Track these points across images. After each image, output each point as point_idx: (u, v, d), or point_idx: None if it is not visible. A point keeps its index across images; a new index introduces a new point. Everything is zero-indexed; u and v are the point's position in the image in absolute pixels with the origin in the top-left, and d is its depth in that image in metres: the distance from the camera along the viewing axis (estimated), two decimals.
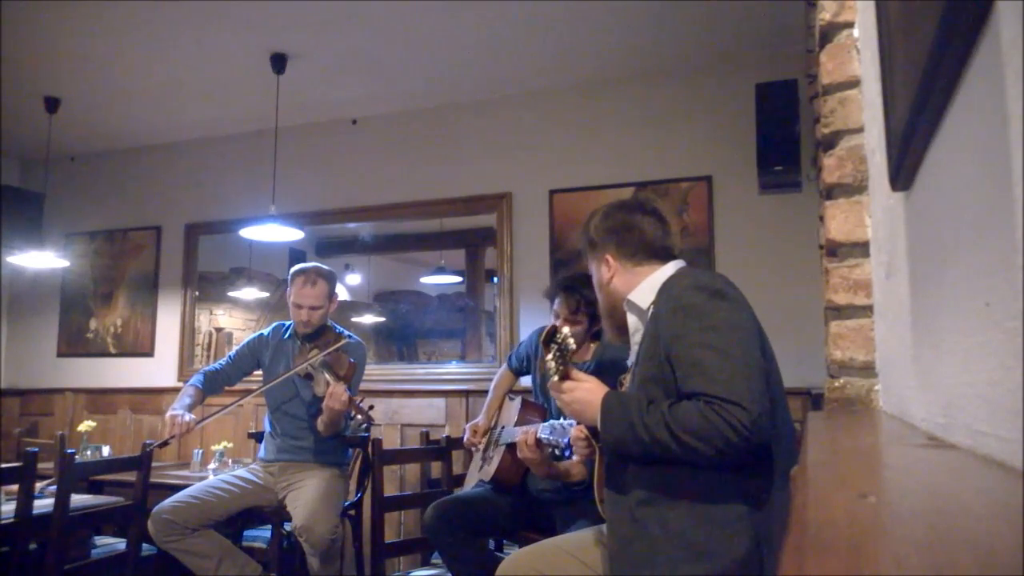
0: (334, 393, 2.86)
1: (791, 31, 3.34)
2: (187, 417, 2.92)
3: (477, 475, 2.97)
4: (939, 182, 0.68)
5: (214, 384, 3.21)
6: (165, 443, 2.99)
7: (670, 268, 1.74)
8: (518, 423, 2.78)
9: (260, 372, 3.30)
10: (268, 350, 3.25)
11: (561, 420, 2.41)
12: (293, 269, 3.17)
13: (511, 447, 2.68)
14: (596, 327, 2.65)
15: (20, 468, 2.61)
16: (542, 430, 2.43)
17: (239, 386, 3.35)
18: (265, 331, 3.33)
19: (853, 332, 1.22)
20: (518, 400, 2.87)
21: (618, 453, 1.61)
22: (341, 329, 3.19)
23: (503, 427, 2.89)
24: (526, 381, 3.16)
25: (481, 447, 2.98)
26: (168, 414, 2.96)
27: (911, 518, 0.44)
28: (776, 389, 1.58)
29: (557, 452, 2.39)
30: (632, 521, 1.57)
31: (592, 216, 1.86)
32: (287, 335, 3.24)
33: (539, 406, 2.82)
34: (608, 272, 1.78)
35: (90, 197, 5.34)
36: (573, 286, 2.64)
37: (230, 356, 3.30)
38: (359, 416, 2.93)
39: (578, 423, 1.84)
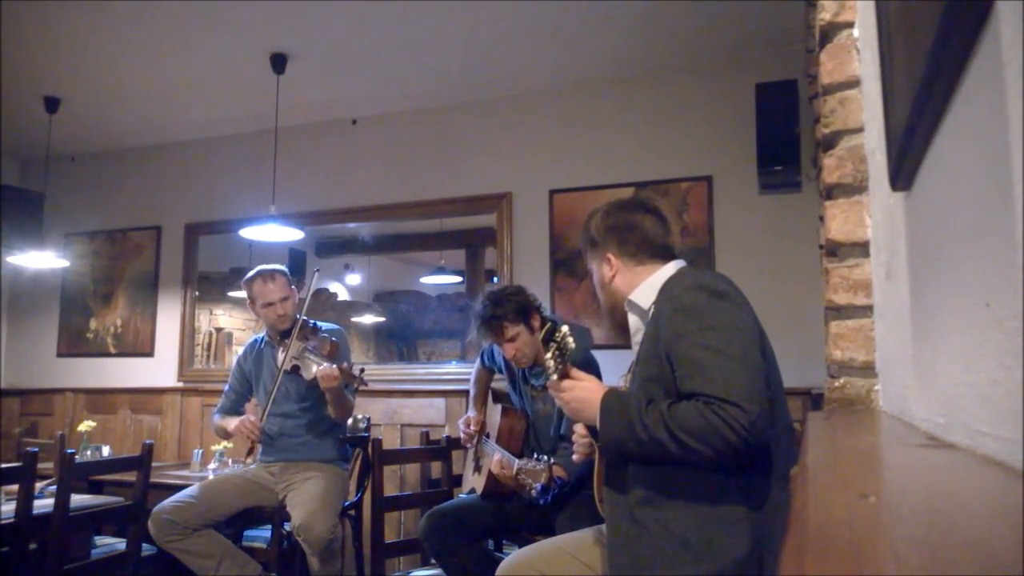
0: (323, 373, 2.89)
1: (791, 31, 3.34)
2: (251, 418, 3.02)
3: (472, 478, 2.97)
4: (939, 182, 0.68)
5: (231, 415, 3.26)
6: (250, 451, 3.07)
7: (671, 268, 1.73)
8: (499, 433, 2.79)
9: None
10: (250, 366, 3.28)
11: (535, 461, 2.39)
12: (245, 279, 3.18)
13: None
14: (536, 325, 2.64)
15: (20, 468, 2.62)
16: (517, 466, 2.44)
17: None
18: (240, 354, 3.37)
19: (853, 332, 1.22)
20: (498, 407, 2.88)
21: (617, 453, 1.60)
22: (315, 322, 3.20)
23: (487, 434, 2.91)
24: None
25: (473, 445, 2.99)
26: (232, 425, 3.04)
27: (911, 518, 0.44)
28: (775, 389, 1.58)
29: (533, 493, 2.39)
30: (632, 521, 1.57)
31: (593, 215, 1.85)
32: (263, 345, 3.27)
33: (518, 412, 2.83)
34: (610, 271, 1.78)
35: (90, 197, 5.34)
36: (487, 318, 2.63)
37: (226, 392, 3.34)
38: (353, 383, 2.97)
39: (576, 422, 1.83)
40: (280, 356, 3.08)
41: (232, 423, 3.07)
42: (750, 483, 1.51)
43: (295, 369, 3.04)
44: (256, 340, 3.34)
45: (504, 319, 2.62)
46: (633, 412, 1.51)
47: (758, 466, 1.51)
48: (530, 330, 2.64)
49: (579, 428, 1.88)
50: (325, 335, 3.08)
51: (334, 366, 2.90)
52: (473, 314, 2.75)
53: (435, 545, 2.67)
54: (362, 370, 2.99)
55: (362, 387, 3.03)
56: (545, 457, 2.38)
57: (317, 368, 2.92)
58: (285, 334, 3.13)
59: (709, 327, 1.49)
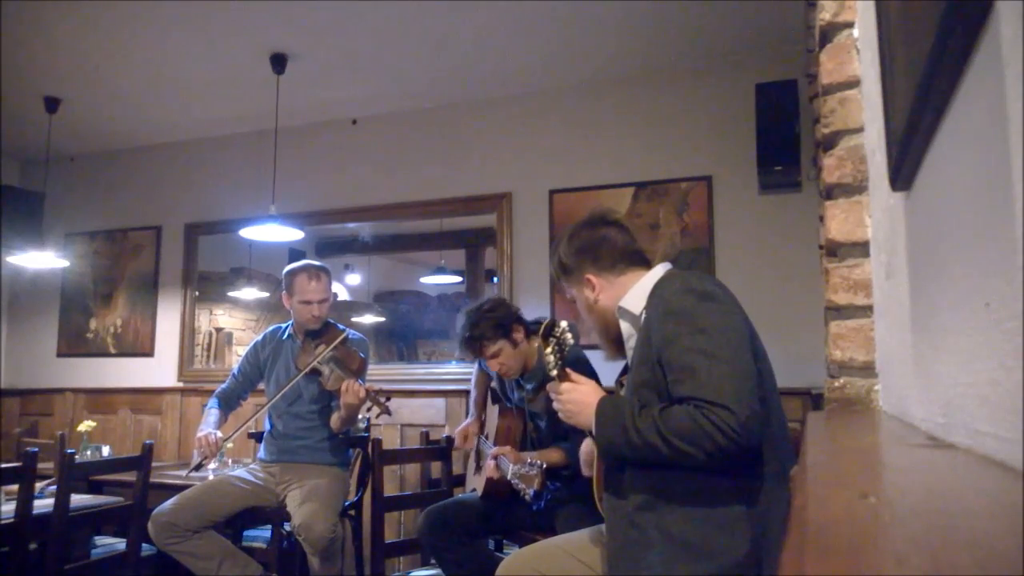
0: (350, 388, 2.90)
1: (791, 31, 3.34)
2: (214, 436, 3.01)
3: (473, 478, 2.97)
4: (939, 182, 0.68)
5: (230, 402, 3.29)
6: (200, 466, 3.08)
7: (658, 271, 1.73)
8: (497, 434, 2.80)
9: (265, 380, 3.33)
10: (267, 355, 3.26)
11: (528, 466, 2.40)
12: (289, 269, 3.18)
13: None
14: (519, 336, 2.65)
15: (20, 468, 2.61)
16: (511, 472, 2.46)
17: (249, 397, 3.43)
18: (259, 339, 3.35)
19: (853, 332, 1.22)
20: (496, 408, 2.89)
21: (613, 457, 1.61)
22: (342, 326, 3.20)
23: (487, 436, 2.91)
24: None
25: (473, 450, 3.00)
26: (197, 436, 3.04)
27: (911, 518, 0.44)
28: (768, 388, 1.58)
29: (527, 498, 2.41)
30: (631, 526, 1.58)
31: (557, 245, 1.85)
32: (285, 336, 3.25)
33: (515, 412, 2.84)
34: (593, 292, 1.77)
35: (90, 197, 5.34)
36: (465, 339, 2.65)
37: (233, 374, 3.34)
38: (376, 408, 2.95)
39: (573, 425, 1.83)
40: (303, 356, 3.08)
41: (201, 429, 3.06)
42: (746, 483, 1.52)
43: (315, 373, 3.03)
44: (278, 329, 3.32)
45: (483, 338, 2.62)
46: (627, 417, 1.51)
47: (754, 466, 1.51)
48: (512, 343, 2.65)
49: (585, 446, 1.89)
50: (355, 348, 3.08)
51: (361, 385, 2.90)
52: (458, 336, 2.75)
53: (433, 543, 2.68)
54: (388, 397, 2.98)
55: (385, 415, 3.01)
56: (539, 463, 2.39)
57: (344, 382, 2.92)
58: (311, 334, 3.13)
59: (698, 330, 1.49)
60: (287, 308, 3.20)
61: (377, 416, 3.01)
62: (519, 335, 2.66)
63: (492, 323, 2.62)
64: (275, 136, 4.09)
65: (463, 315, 2.71)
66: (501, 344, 2.64)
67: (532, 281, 4.12)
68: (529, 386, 2.73)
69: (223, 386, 3.31)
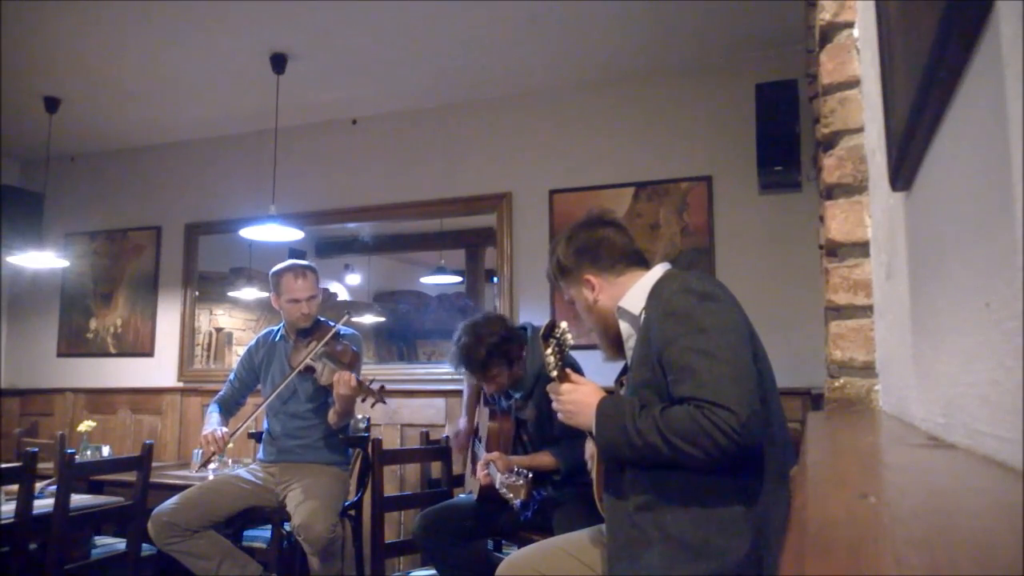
0: (341, 379, 2.90)
1: (791, 31, 3.33)
2: (220, 432, 3.02)
3: (471, 480, 2.98)
4: (939, 182, 0.68)
5: (229, 407, 3.30)
6: (208, 462, 3.11)
7: (657, 271, 1.73)
8: (488, 437, 2.80)
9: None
10: (261, 358, 3.27)
11: (515, 475, 2.40)
12: (275, 271, 3.18)
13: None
14: (515, 361, 2.64)
15: (20, 468, 2.62)
16: (499, 481, 2.47)
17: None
18: (252, 343, 3.36)
19: (853, 332, 1.22)
20: (487, 411, 2.89)
21: (613, 457, 1.61)
22: (333, 323, 3.20)
23: (480, 438, 2.91)
24: None
25: (469, 451, 3.00)
26: (202, 434, 3.06)
27: (911, 518, 0.44)
28: (769, 389, 1.58)
29: (514, 507, 2.42)
30: (631, 525, 1.58)
31: (555, 246, 1.85)
32: (277, 338, 3.26)
33: (505, 415, 2.84)
34: (592, 293, 1.77)
35: (90, 197, 5.34)
36: (469, 360, 2.59)
37: (230, 380, 3.35)
38: (371, 398, 2.95)
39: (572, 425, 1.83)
40: (296, 354, 3.08)
41: (205, 428, 3.08)
42: (746, 483, 1.52)
43: (309, 370, 3.04)
44: (270, 332, 3.33)
45: (487, 365, 2.60)
46: (627, 417, 1.51)
47: (754, 466, 1.51)
48: (510, 369, 2.64)
49: (589, 447, 1.89)
50: (347, 343, 3.08)
51: (352, 375, 2.90)
52: (453, 351, 2.68)
53: (429, 546, 2.68)
54: (382, 387, 2.99)
55: (381, 404, 3.02)
56: (525, 472, 2.39)
57: (337, 375, 2.92)
58: (303, 333, 3.13)
59: (698, 330, 1.49)
60: (276, 309, 3.21)
61: (372, 405, 3.02)
62: (518, 359, 2.66)
63: (497, 352, 2.58)
64: (275, 136, 4.09)
65: (462, 331, 2.64)
66: (501, 370, 2.63)
67: (532, 281, 4.12)
68: (517, 395, 2.72)
69: (221, 392, 3.33)
